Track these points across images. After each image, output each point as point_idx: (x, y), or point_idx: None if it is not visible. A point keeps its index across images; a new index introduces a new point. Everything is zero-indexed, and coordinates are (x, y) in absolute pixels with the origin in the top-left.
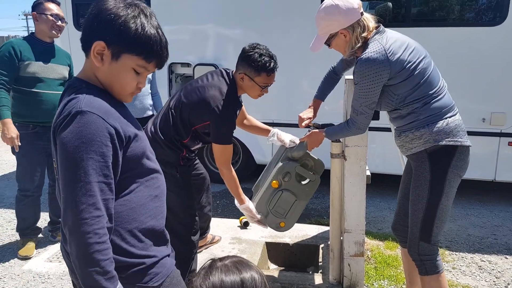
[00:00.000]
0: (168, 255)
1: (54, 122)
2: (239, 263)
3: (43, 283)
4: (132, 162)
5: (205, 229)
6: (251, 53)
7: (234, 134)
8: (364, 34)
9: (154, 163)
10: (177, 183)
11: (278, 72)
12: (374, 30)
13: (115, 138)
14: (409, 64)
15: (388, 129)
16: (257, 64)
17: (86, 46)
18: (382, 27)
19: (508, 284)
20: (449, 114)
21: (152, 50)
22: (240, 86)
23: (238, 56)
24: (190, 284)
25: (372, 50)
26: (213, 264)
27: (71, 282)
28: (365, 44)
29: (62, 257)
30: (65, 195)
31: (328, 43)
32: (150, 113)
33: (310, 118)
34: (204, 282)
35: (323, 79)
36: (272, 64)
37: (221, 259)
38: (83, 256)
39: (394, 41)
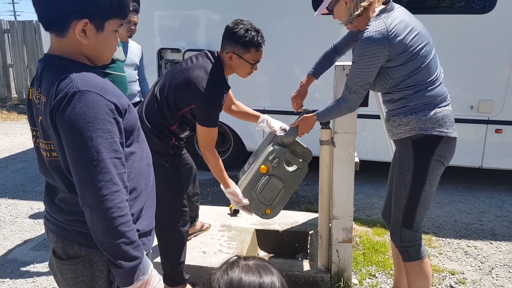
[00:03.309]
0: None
1: (48, 104)
2: (262, 267)
3: (29, 271)
4: (128, 132)
5: (193, 218)
6: (236, 29)
7: (224, 122)
8: (363, 4)
9: (142, 131)
10: (166, 173)
11: (271, 58)
12: (381, 6)
13: (116, 113)
14: (410, 49)
15: (378, 117)
16: (244, 40)
17: (57, 25)
18: (391, 3)
19: (492, 268)
20: (439, 104)
21: (126, 6)
22: (229, 66)
23: (223, 35)
24: (210, 275)
25: (375, 29)
26: (236, 261)
27: None
28: (368, 18)
29: (47, 246)
30: (80, 176)
31: (330, 9)
32: (137, 99)
33: (302, 98)
34: (223, 276)
35: (321, 56)
36: (259, 38)
37: (245, 258)
38: (109, 230)
39: (400, 21)
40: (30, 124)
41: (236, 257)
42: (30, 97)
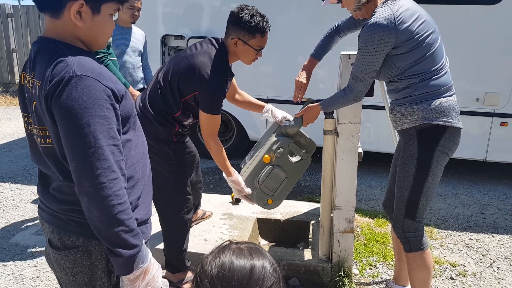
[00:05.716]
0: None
1: (43, 89)
2: (253, 250)
3: (31, 256)
4: (124, 119)
5: (196, 206)
6: (241, 14)
7: (228, 110)
8: None
9: (138, 119)
10: (170, 160)
11: (275, 47)
12: None
13: (113, 99)
14: (416, 36)
15: (382, 107)
16: (250, 26)
17: (52, 6)
18: None
19: (494, 261)
20: (444, 94)
21: None
22: (234, 52)
23: (227, 20)
24: (203, 259)
25: (381, 15)
26: (227, 245)
27: None
28: (375, 6)
29: None
30: (77, 163)
31: None
32: (141, 86)
33: (306, 84)
34: (214, 260)
35: (323, 37)
36: (264, 23)
37: (237, 242)
38: (107, 218)
39: (406, 9)
40: (22, 110)
41: (228, 241)
42: (22, 82)
